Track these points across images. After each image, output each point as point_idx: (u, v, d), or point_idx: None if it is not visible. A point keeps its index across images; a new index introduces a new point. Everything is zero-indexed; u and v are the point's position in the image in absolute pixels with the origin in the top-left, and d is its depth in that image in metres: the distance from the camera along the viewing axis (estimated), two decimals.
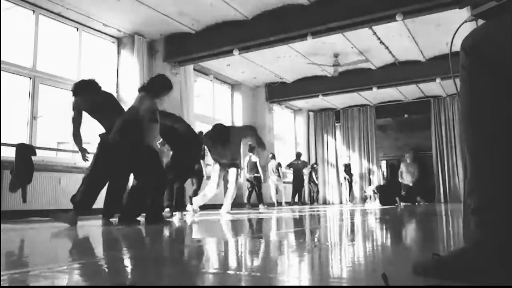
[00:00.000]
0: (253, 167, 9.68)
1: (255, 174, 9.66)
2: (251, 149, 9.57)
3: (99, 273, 1.47)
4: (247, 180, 9.80)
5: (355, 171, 13.23)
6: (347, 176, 12.53)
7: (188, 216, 5.56)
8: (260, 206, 9.37)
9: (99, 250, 2.27)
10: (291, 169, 12.05)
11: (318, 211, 7.37)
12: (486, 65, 1.13)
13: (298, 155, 12.40)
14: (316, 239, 2.63)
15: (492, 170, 1.11)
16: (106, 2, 6.50)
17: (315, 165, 12.99)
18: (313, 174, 12.76)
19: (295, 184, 11.97)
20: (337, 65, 9.29)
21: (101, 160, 4.00)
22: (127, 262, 1.74)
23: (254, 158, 9.65)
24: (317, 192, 12.88)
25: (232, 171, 6.08)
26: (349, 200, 12.57)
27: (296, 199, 12.09)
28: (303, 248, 2.12)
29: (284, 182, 11.54)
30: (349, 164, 12.74)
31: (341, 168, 13.12)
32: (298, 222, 4.54)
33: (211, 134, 5.91)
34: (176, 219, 4.83)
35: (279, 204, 10.96)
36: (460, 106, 1.22)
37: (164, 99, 4.36)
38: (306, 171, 12.48)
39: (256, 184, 9.67)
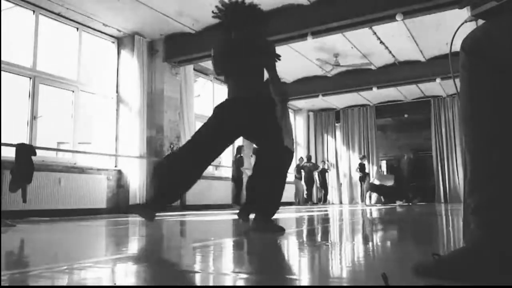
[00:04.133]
0: None
1: None
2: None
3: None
4: None
5: (355, 171, 13.23)
6: (361, 176, 12.14)
7: None
8: None
9: None
10: (302, 170, 12.59)
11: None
12: (486, 65, 1.13)
13: (309, 158, 12.84)
14: (316, 239, 2.63)
15: (492, 170, 1.10)
16: (106, 2, 6.50)
17: (326, 167, 13.08)
18: (327, 175, 12.93)
19: (307, 185, 12.58)
20: (337, 65, 9.30)
21: None
22: None
23: None
24: (326, 193, 12.94)
25: None
26: (363, 200, 12.24)
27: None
28: (303, 248, 2.12)
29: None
30: (364, 164, 12.41)
31: (355, 167, 12.87)
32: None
33: None
34: None
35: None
36: (460, 106, 1.22)
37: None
38: (316, 173, 12.69)
39: None
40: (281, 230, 2.77)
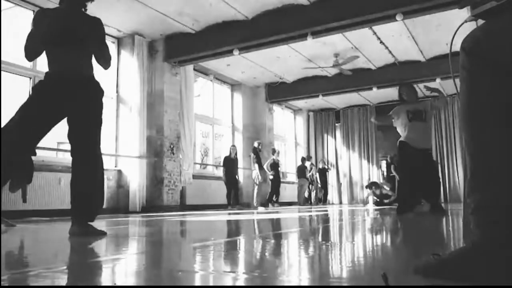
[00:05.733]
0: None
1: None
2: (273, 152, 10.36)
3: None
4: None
5: (354, 171, 13.22)
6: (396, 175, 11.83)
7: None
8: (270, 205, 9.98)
9: None
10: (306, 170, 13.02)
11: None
12: (486, 65, 1.13)
13: (309, 157, 13.06)
14: (316, 239, 2.63)
15: (492, 169, 1.10)
16: (106, 2, 6.50)
17: (326, 167, 13.13)
18: (327, 174, 12.97)
19: (310, 184, 12.85)
20: (337, 65, 9.29)
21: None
22: None
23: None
24: (326, 193, 12.91)
25: None
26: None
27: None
28: (304, 248, 2.12)
29: (283, 182, 11.65)
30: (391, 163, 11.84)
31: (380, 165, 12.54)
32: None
33: None
34: None
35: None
36: (460, 106, 1.22)
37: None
38: (314, 172, 12.73)
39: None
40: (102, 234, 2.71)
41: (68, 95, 2.72)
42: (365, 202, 10.99)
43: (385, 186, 10.35)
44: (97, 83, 2.89)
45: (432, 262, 1.18)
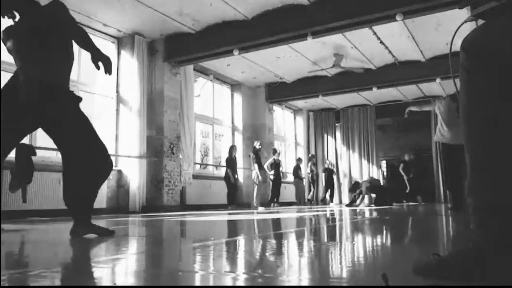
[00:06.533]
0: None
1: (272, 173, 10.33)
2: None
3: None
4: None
5: (354, 171, 13.21)
6: (404, 175, 11.54)
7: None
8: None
9: None
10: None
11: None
12: (486, 65, 1.13)
13: (310, 158, 13.13)
14: (316, 239, 2.63)
15: (492, 170, 1.11)
16: (106, 2, 6.50)
17: (331, 167, 13.15)
18: (333, 175, 13.01)
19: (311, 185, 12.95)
20: (337, 65, 9.30)
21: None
22: None
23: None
24: (332, 193, 12.86)
25: None
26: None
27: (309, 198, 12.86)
28: (303, 247, 2.12)
29: (283, 183, 11.66)
30: (408, 161, 11.70)
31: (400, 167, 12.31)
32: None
33: None
34: None
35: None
36: (460, 106, 1.22)
37: None
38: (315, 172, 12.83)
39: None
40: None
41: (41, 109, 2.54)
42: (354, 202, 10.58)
43: (362, 187, 10.18)
44: (70, 92, 2.75)
45: (432, 262, 1.18)
